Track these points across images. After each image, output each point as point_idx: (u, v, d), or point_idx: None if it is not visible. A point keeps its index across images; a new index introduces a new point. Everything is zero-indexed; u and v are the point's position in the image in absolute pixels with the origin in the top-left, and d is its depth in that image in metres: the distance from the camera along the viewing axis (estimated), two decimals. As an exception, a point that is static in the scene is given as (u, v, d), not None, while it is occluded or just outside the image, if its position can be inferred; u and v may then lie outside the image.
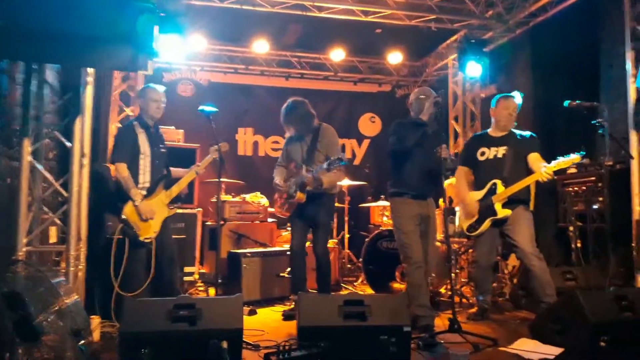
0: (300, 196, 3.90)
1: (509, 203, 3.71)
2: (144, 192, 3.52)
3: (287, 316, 3.95)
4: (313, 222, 4.02)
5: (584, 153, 3.50)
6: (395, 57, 6.91)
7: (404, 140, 3.53)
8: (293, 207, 4.01)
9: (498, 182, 3.75)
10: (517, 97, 3.96)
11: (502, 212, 3.72)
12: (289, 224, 4.66)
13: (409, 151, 3.55)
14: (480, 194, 3.84)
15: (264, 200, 5.44)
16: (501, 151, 3.84)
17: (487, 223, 3.79)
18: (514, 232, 3.70)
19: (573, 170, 4.42)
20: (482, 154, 3.91)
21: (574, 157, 3.49)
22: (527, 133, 3.89)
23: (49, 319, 2.23)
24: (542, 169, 3.53)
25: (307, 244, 4.20)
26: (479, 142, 4.01)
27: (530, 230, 3.69)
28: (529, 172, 3.69)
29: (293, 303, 4.06)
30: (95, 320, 3.07)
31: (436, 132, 3.55)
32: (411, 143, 3.50)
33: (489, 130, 4.02)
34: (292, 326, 3.60)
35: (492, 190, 3.77)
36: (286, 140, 4.26)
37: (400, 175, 3.62)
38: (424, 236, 3.60)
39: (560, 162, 3.51)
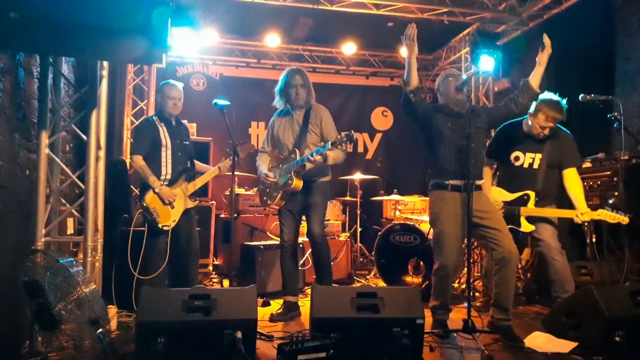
0: (296, 184, 3.55)
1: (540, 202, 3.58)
2: (166, 184, 3.58)
3: (272, 320, 3.57)
4: (305, 208, 3.69)
5: (631, 216, 3.30)
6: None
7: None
8: (286, 197, 3.67)
9: (532, 195, 3.57)
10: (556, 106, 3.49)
11: (526, 227, 3.55)
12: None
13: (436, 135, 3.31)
14: (509, 196, 3.66)
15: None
16: (537, 160, 3.61)
17: None
18: (538, 226, 3.58)
19: (588, 164, 4.37)
20: (517, 159, 3.67)
21: (621, 217, 3.30)
22: (564, 134, 3.63)
23: (67, 308, 2.27)
24: (578, 214, 3.38)
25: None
26: (513, 142, 3.68)
27: (555, 225, 3.61)
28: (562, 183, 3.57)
29: (282, 307, 3.70)
30: (112, 310, 3.13)
31: (471, 110, 3.21)
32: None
33: (524, 128, 3.63)
34: (305, 318, 3.63)
35: (523, 201, 3.60)
36: (273, 121, 3.91)
37: (438, 163, 3.31)
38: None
39: (602, 214, 3.35)
